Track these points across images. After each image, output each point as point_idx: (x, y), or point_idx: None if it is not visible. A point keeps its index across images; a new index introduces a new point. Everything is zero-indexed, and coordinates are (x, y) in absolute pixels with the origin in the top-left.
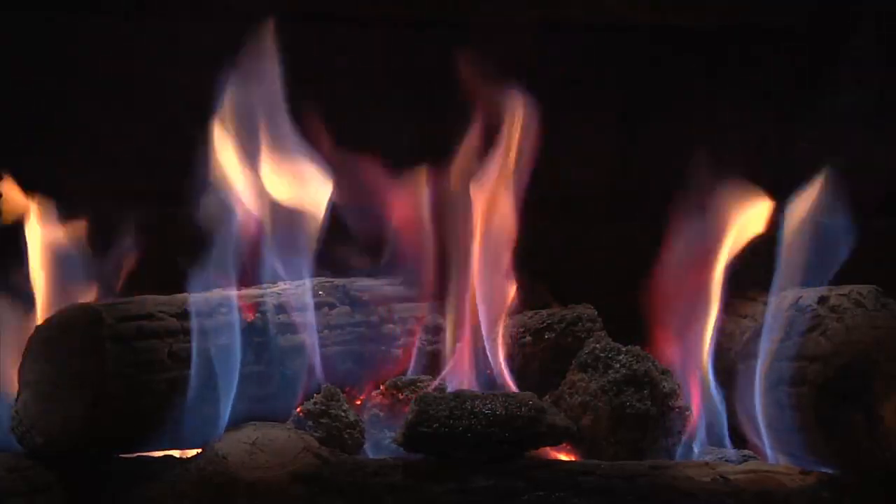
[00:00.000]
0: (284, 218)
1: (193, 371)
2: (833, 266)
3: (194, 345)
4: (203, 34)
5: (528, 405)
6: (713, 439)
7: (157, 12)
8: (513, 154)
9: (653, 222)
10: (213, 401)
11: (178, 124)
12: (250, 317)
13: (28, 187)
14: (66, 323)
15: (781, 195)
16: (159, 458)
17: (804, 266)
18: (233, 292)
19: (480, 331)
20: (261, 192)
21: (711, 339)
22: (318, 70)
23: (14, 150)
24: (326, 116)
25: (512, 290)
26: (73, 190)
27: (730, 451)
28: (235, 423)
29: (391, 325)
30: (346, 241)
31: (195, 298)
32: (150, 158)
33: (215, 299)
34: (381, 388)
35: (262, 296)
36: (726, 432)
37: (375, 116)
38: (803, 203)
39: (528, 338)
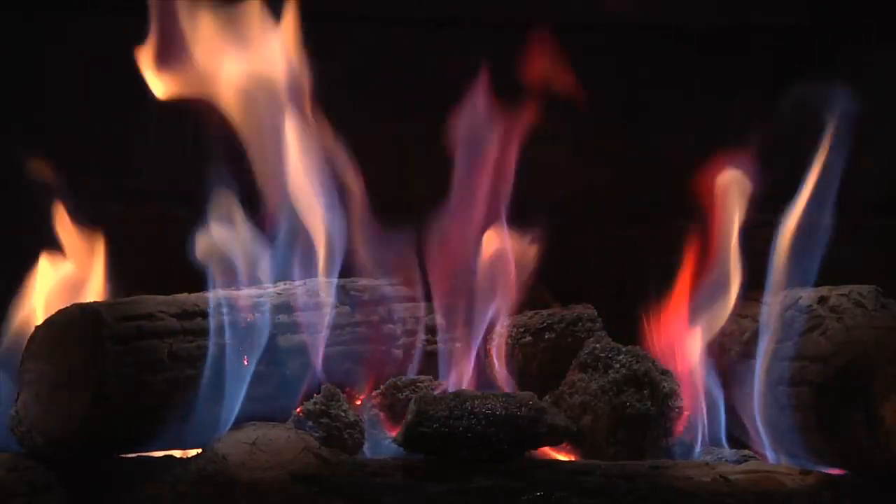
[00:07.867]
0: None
1: (206, 370)
2: (815, 262)
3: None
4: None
5: (528, 405)
6: (713, 439)
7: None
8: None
9: (653, 222)
10: (219, 401)
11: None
12: (250, 316)
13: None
14: (66, 323)
15: (781, 194)
16: (159, 458)
17: (793, 266)
18: (240, 292)
19: (481, 331)
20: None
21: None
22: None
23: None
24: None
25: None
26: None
27: (729, 451)
28: (235, 423)
29: (391, 325)
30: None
31: (211, 297)
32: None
33: (225, 298)
34: (381, 388)
35: (261, 296)
36: (724, 432)
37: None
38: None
39: (528, 338)
